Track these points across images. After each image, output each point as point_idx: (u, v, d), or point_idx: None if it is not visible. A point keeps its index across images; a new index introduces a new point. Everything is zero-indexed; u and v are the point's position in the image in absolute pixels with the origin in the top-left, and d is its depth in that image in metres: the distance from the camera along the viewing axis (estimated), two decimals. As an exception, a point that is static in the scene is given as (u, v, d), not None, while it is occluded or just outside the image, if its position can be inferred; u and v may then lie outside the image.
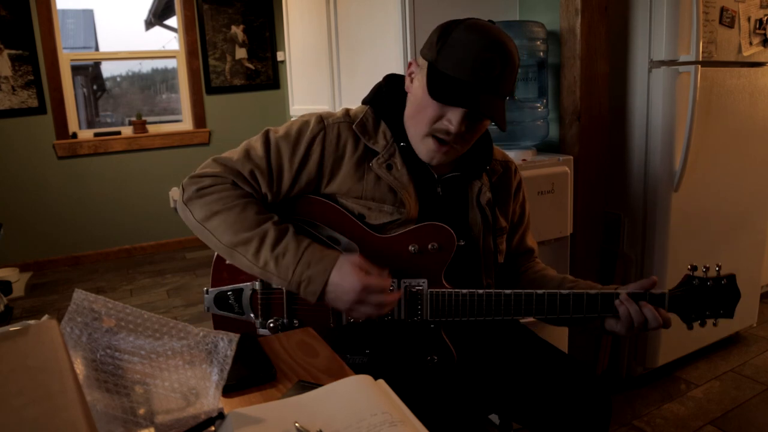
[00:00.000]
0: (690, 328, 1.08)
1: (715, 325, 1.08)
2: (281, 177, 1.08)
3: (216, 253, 1.12)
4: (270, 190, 1.08)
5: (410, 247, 1.07)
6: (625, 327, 1.06)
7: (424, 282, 1.07)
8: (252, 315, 1.11)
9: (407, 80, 1.10)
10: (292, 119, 1.14)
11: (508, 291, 1.07)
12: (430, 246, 1.07)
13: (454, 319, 1.07)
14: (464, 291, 1.06)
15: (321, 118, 1.11)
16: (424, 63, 1.05)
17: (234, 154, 1.09)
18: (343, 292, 0.99)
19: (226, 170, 1.06)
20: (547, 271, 1.27)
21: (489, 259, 1.17)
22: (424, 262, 1.08)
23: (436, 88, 1.01)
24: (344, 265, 1.00)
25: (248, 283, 1.11)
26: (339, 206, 1.09)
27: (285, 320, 1.10)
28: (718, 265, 1.09)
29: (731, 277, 1.07)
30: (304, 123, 1.11)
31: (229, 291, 1.11)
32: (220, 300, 1.12)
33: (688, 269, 1.08)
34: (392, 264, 1.07)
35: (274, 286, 1.08)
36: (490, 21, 1.05)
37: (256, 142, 1.10)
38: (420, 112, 1.05)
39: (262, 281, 1.09)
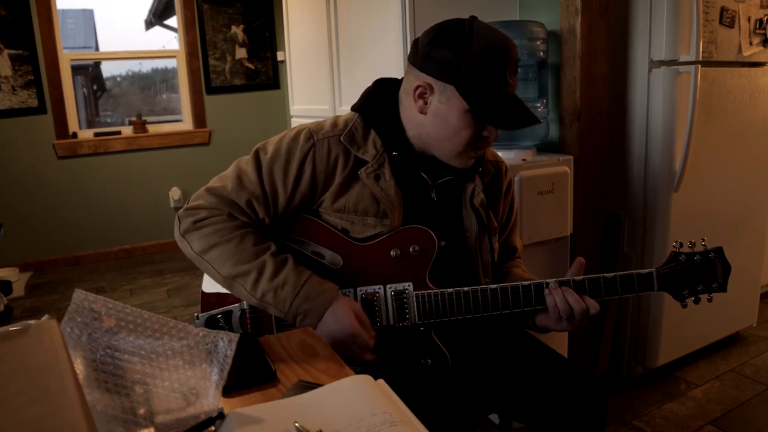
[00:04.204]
0: (684, 306, 1.07)
1: (709, 300, 1.07)
2: (276, 200, 1.08)
3: (202, 287, 1.14)
4: (267, 215, 1.08)
5: (392, 252, 1.08)
6: (553, 318, 1.07)
7: (409, 285, 1.07)
8: (241, 333, 1.12)
9: (419, 102, 1.06)
10: (281, 134, 1.13)
11: (494, 285, 1.07)
12: (411, 249, 1.08)
13: (442, 319, 1.08)
14: (449, 290, 1.07)
15: (310, 134, 1.09)
16: (445, 86, 1.02)
17: (227, 182, 1.08)
18: (333, 330, 1.01)
19: (222, 202, 1.06)
20: (515, 269, 1.27)
21: (486, 259, 1.18)
22: (407, 266, 1.08)
23: (485, 112, 1.01)
24: (342, 306, 1.02)
25: (237, 305, 1.11)
26: (322, 222, 1.10)
27: (272, 335, 1.10)
28: (703, 239, 1.08)
29: (719, 250, 1.06)
30: (293, 140, 1.09)
31: (218, 314, 1.12)
32: (211, 324, 1.13)
33: (674, 246, 1.07)
34: (376, 271, 1.08)
35: (273, 314, 1.09)
36: (472, 17, 1.05)
37: (248, 166, 1.08)
38: (456, 135, 1.05)
39: None
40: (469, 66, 0.99)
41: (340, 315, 1.01)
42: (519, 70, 1.86)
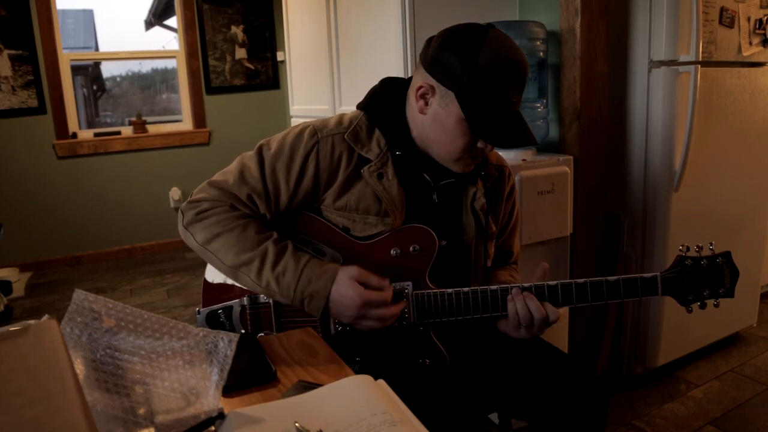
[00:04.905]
0: (689, 311, 1.06)
1: (716, 306, 1.05)
2: (278, 197, 1.08)
3: (205, 275, 1.14)
4: (269, 211, 1.08)
5: (392, 251, 1.08)
6: (512, 325, 1.06)
7: (409, 284, 1.07)
8: (243, 331, 1.12)
9: (420, 102, 1.06)
10: (286, 130, 1.13)
11: (494, 287, 1.07)
12: (411, 248, 1.08)
13: (441, 319, 1.07)
14: (449, 290, 1.06)
15: (315, 131, 1.09)
16: (446, 92, 1.02)
17: (229, 176, 1.08)
18: (344, 308, 1.00)
19: (224, 194, 1.06)
20: (500, 273, 1.27)
21: (480, 263, 1.18)
22: (407, 265, 1.08)
23: (480, 126, 1.01)
24: (343, 280, 1.01)
25: (237, 300, 1.11)
26: (323, 220, 1.10)
27: (274, 333, 1.11)
28: (711, 243, 1.06)
29: (727, 254, 1.04)
30: (297, 136, 1.09)
31: (219, 310, 1.12)
32: (212, 319, 1.13)
33: (680, 250, 1.05)
34: (376, 269, 1.07)
35: (281, 302, 1.08)
36: (489, 24, 1.04)
37: (251, 161, 1.08)
38: (452, 142, 1.05)
39: (249, 297, 1.11)
40: (472, 77, 0.98)
41: (345, 290, 1.00)
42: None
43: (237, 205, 1.07)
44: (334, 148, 1.08)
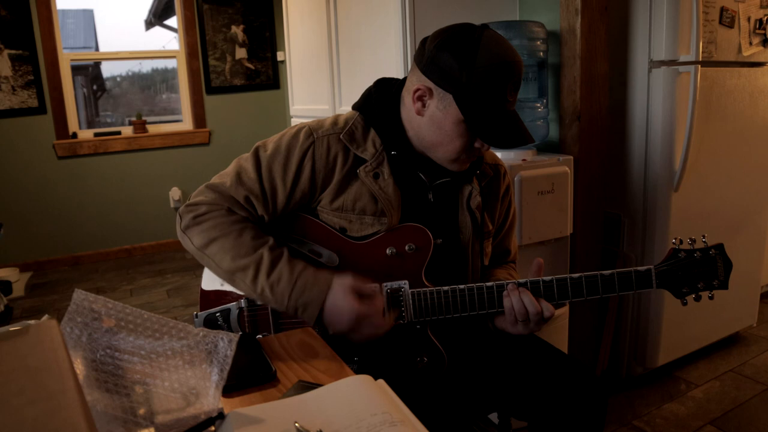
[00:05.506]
0: (684, 303, 1.06)
1: (711, 298, 1.06)
2: (275, 197, 1.08)
3: (201, 285, 1.15)
4: (266, 212, 1.08)
5: (387, 251, 1.08)
6: (509, 320, 1.07)
7: (405, 283, 1.07)
8: (241, 333, 1.12)
9: (417, 104, 1.07)
10: (282, 132, 1.13)
11: (489, 283, 1.07)
12: (407, 247, 1.08)
13: (438, 317, 1.08)
14: (445, 288, 1.07)
15: (310, 132, 1.10)
16: (444, 94, 1.02)
17: (226, 178, 1.08)
18: (339, 319, 1.01)
19: (221, 197, 1.07)
20: (499, 271, 1.27)
21: (477, 261, 1.18)
22: (403, 264, 1.08)
23: (478, 126, 1.02)
24: (337, 291, 1.01)
25: (234, 303, 1.12)
26: (320, 221, 1.10)
27: (272, 335, 1.11)
28: (704, 236, 1.07)
29: (719, 246, 1.05)
30: (293, 137, 1.10)
31: (217, 313, 1.13)
32: (210, 323, 1.13)
33: (673, 243, 1.06)
34: (372, 269, 1.08)
35: (276, 309, 1.09)
36: (483, 24, 1.04)
37: (247, 163, 1.09)
38: (450, 142, 1.06)
39: (247, 299, 1.11)
40: (470, 78, 0.99)
41: (339, 301, 1.00)
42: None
43: (234, 208, 1.07)
44: (329, 148, 1.08)
